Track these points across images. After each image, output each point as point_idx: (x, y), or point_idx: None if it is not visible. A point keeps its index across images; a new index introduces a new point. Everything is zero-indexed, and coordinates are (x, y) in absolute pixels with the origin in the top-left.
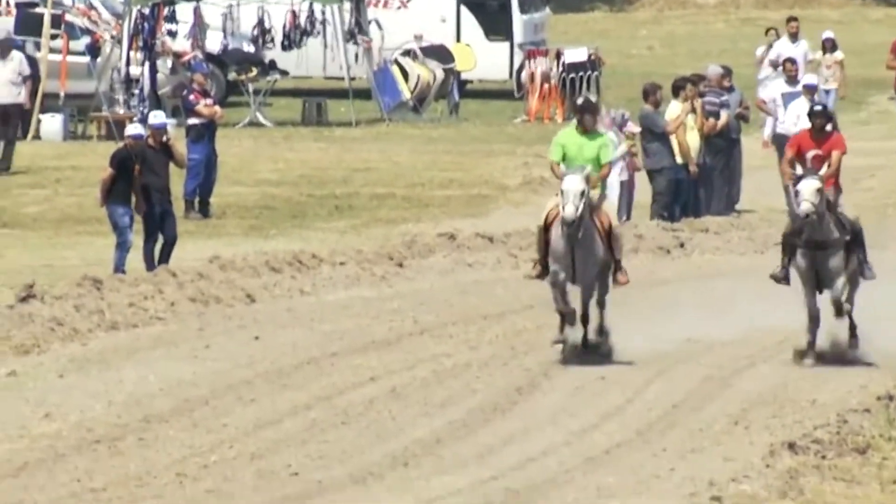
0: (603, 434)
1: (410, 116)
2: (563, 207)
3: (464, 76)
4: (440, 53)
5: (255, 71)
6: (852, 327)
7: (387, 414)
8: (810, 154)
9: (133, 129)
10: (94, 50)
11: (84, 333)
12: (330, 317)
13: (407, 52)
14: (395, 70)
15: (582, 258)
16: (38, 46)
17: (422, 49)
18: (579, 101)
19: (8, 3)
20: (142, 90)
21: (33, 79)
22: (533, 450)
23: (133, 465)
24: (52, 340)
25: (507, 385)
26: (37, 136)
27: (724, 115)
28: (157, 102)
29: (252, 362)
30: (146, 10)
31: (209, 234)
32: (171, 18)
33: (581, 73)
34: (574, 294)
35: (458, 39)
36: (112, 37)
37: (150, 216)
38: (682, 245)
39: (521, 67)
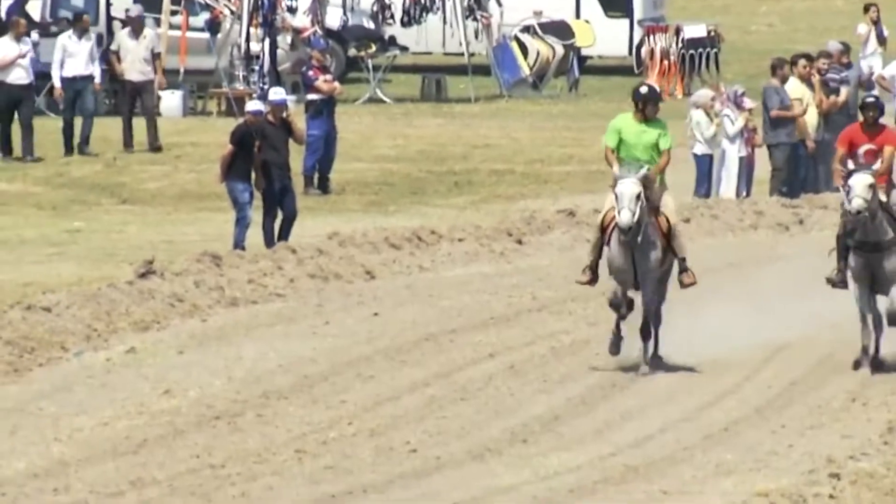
0: (721, 411)
1: (530, 93)
2: (619, 213)
3: (583, 52)
4: (560, 30)
5: (374, 47)
6: None
7: (505, 390)
8: (863, 149)
9: (253, 105)
10: (213, 26)
11: (204, 309)
12: (449, 293)
13: (526, 29)
14: (515, 46)
15: (642, 263)
16: (157, 22)
17: (541, 25)
18: (642, 89)
19: None
20: (262, 66)
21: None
22: (651, 427)
23: (252, 441)
24: (172, 317)
25: (626, 362)
26: (157, 113)
27: (843, 91)
28: (276, 78)
29: (371, 338)
30: None
31: (328, 210)
32: None
33: (700, 50)
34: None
35: (578, 16)
36: (232, 13)
37: (270, 192)
38: (801, 222)
39: (641, 43)
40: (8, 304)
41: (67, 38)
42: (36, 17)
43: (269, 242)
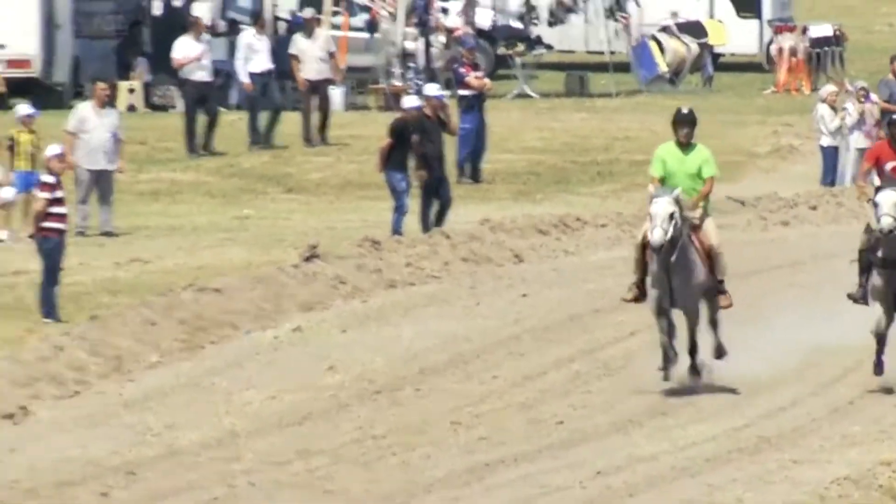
0: (846, 387)
1: (667, 88)
2: (651, 232)
3: (717, 50)
4: (694, 29)
5: (522, 46)
6: None
7: (645, 366)
8: (889, 165)
9: (410, 100)
10: (372, 26)
11: (364, 291)
12: (592, 276)
13: (664, 28)
14: (653, 45)
15: (679, 282)
16: (319, 22)
17: (677, 25)
18: (680, 113)
19: None
20: (417, 64)
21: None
22: (782, 401)
23: (411, 414)
24: (335, 298)
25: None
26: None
27: None
28: (431, 75)
29: (520, 318)
30: None
31: (480, 198)
32: None
33: (826, 48)
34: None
35: (711, 16)
36: (389, 14)
37: (427, 181)
38: None
39: (770, 42)
40: (182, 287)
41: (252, 37)
42: (204, 18)
43: (425, 228)
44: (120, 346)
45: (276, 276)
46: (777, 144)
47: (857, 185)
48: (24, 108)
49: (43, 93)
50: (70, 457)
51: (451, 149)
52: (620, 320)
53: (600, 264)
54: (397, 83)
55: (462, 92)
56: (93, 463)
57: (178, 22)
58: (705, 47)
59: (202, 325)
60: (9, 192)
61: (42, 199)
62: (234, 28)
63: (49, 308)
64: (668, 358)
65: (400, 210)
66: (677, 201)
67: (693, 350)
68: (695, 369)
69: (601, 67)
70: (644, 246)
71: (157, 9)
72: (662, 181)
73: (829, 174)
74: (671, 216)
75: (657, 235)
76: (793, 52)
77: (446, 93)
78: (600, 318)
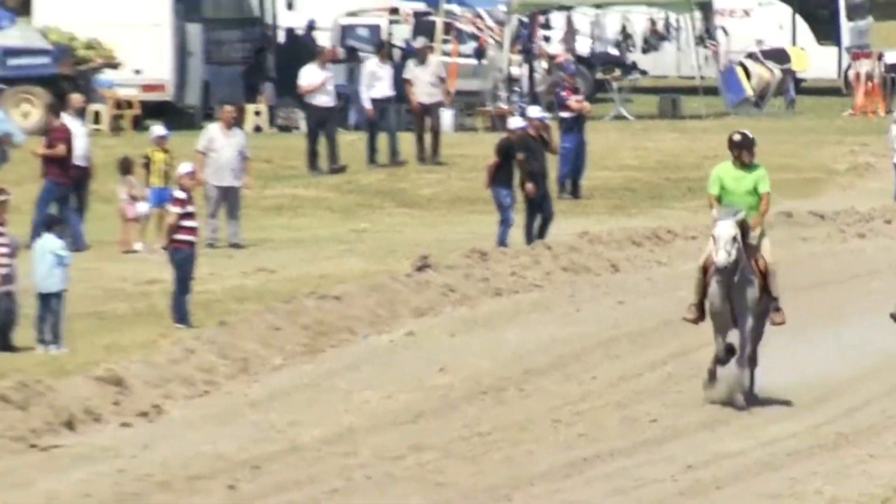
0: None
1: (752, 111)
2: (716, 254)
3: (799, 75)
4: (778, 56)
5: (618, 71)
6: None
7: (733, 368)
8: None
9: (515, 122)
10: (480, 53)
11: (472, 298)
12: (684, 285)
13: (750, 55)
14: (740, 70)
15: (739, 300)
16: (431, 49)
17: (762, 52)
18: (735, 137)
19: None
20: (521, 88)
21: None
22: (858, 399)
23: (515, 412)
24: (445, 304)
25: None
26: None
27: None
28: (534, 98)
29: (617, 324)
30: (525, 19)
31: (579, 212)
32: (546, 25)
33: None
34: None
35: (794, 43)
36: (495, 42)
37: (532, 197)
38: None
39: (848, 68)
40: (304, 294)
41: (375, 65)
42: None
43: (528, 240)
44: (246, 350)
45: (390, 285)
46: (854, 162)
47: None
48: (158, 128)
49: (175, 115)
50: (200, 452)
51: (552, 166)
52: (709, 326)
53: (691, 274)
54: (503, 106)
55: (563, 114)
56: (221, 458)
57: (300, 49)
58: (788, 73)
59: (323, 330)
60: (143, 207)
61: (174, 213)
62: (352, 55)
63: (181, 314)
64: (715, 377)
65: (505, 223)
66: (740, 224)
67: (752, 363)
68: (750, 382)
69: (692, 91)
70: (705, 268)
71: (280, 37)
72: (719, 199)
73: None
74: (734, 238)
75: (722, 257)
76: (869, 77)
77: (548, 115)
78: (690, 324)
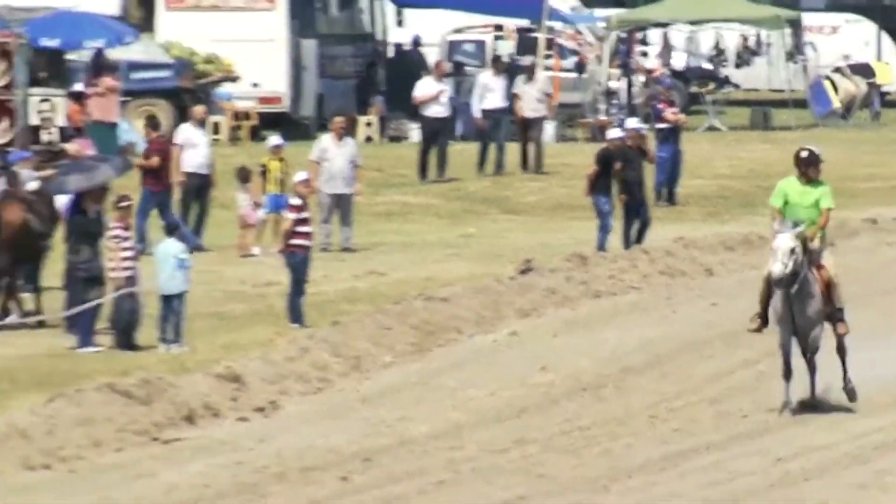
0: None
1: (840, 122)
2: (772, 265)
3: (883, 89)
4: (864, 70)
5: (712, 84)
6: None
7: (823, 365)
8: None
9: (614, 132)
10: (580, 67)
11: (573, 300)
12: None
13: (837, 69)
14: (827, 84)
15: (800, 312)
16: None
17: (849, 66)
18: (803, 154)
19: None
20: (620, 100)
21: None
22: None
23: (613, 408)
24: (547, 306)
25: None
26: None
27: None
28: (632, 110)
29: (710, 325)
30: (623, 35)
31: (674, 218)
32: (644, 41)
33: None
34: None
35: (879, 58)
36: (595, 57)
37: (629, 203)
38: None
39: None
40: (413, 296)
41: (489, 77)
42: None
43: (626, 245)
44: (358, 348)
45: (495, 287)
46: None
47: None
48: (274, 139)
49: (291, 126)
50: (314, 445)
51: (649, 175)
52: None
53: None
54: (602, 117)
55: (659, 125)
56: (334, 451)
57: (408, 64)
58: (873, 86)
59: (430, 330)
60: (261, 214)
61: (290, 219)
62: (459, 70)
63: (296, 315)
64: (788, 399)
65: (604, 229)
66: (799, 237)
67: (812, 371)
68: (812, 389)
69: (782, 104)
70: (768, 279)
71: (390, 52)
72: (782, 213)
73: None
74: (792, 251)
75: (777, 269)
76: None
77: (645, 126)
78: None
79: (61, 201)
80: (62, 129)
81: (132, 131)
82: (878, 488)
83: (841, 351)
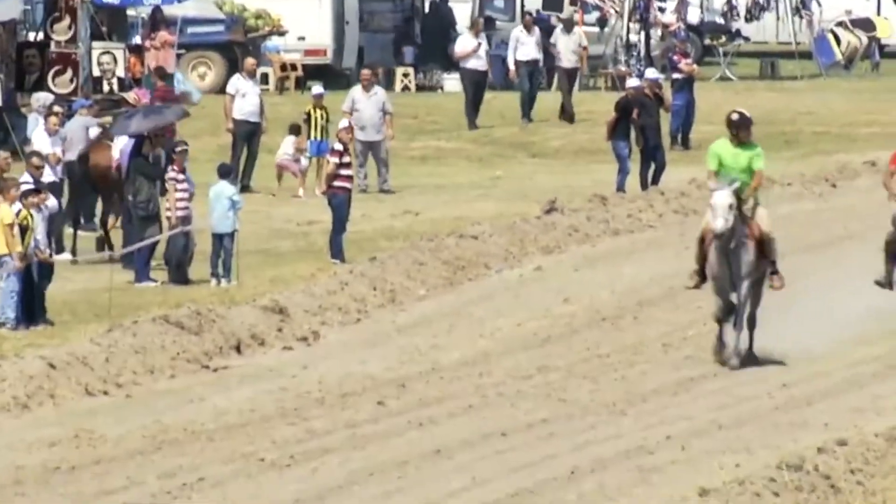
0: None
1: (842, 73)
2: (714, 221)
3: (883, 41)
4: (865, 24)
5: (724, 38)
6: None
7: (818, 302)
8: None
9: (633, 82)
10: (602, 21)
11: (593, 238)
12: (781, 225)
13: (840, 23)
14: (831, 37)
15: (736, 265)
16: (559, 20)
17: (851, 21)
18: (734, 116)
19: None
20: (638, 52)
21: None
22: None
23: (630, 337)
24: (570, 243)
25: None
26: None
27: None
28: (650, 61)
29: None
30: None
31: (688, 161)
32: None
33: None
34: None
35: (879, 13)
36: (615, 11)
37: (646, 148)
38: None
39: None
40: (445, 233)
41: (520, 32)
42: (464, 18)
43: (643, 186)
44: (394, 282)
45: (521, 226)
46: None
47: (885, 185)
48: (316, 88)
49: (334, 76)
50: (352, 372)
51: (665, 122)
52: (804, 259)
53: (786, 215)
54: (622, 68)
55: (675, 75)
56: (371, 377)
57: (441, 18)
58: (874, 39)
59: (461, 265)
60: (304, 162)
61: (333, 163)
62: (489, 24)
63: (336, 251)
64: (723, 342)
65: (623, 172)
66: (735, 193)
67: (751, 325)
68: (749, 343)
69: (789, 55)
70: (703, 237)
71: (425, 8)
72: (717, 174)
73: None
74: (730, 206)
75: (720, 224)
76: None
77: (662, 76)
78: (784, 260)
79: (123, 145)
80: (121, 80)
81: (186, 82)
82: (874, 411)
83: (751, 322)
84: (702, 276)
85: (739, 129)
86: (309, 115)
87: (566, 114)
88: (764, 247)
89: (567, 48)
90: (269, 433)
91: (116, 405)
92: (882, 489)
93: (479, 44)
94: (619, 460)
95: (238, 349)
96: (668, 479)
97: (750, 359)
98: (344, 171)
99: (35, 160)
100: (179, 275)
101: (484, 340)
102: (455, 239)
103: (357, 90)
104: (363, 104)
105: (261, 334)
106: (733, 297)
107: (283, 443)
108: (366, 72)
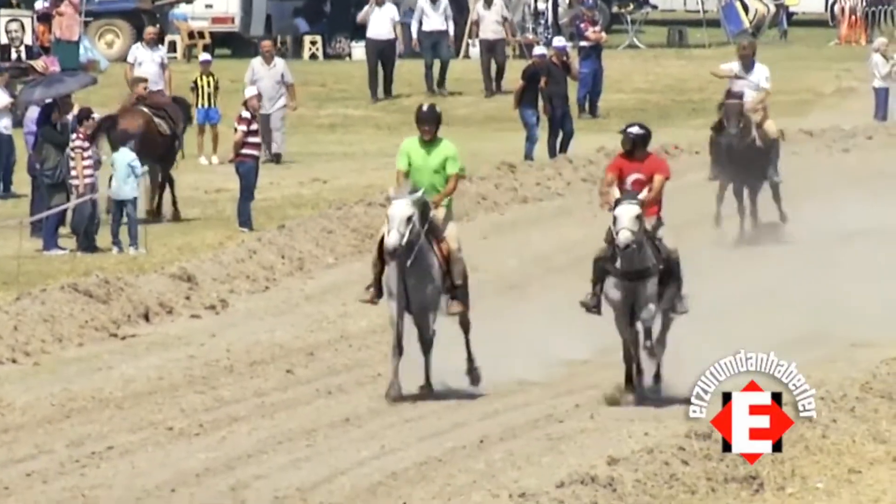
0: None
1: (750, 40)
2: (388, 234)
3: (791, 9)
4: None
5: (632, 6)
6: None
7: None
8: (631, 178)
9: (539, 50)
10: None
11: (502, 205)
12: (689, 192)
13: None
14: (738, 5)
15: (414, 286)
16: None
17: None
18: (424, 108)
19: None
20: (546, 20)
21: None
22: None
23: (538, 304)
24: (478, 211)
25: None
26: (467, 56)
27: None
28: (557, 30)
29: None
30: None
31: (596, 129)
32: None
33: (881, 7)
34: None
35: None
36: None
37: (553, 116)
38: None
39: (834, 3)
40: (354, 202)
41: (426, 2)
42: None
43: (551, 154)
44: (302, 250)
45: None
46: (839, 86)
47: (601, 192)
48: (203, 56)
49: (242, 44)
50: (260, 340)
51: (572, 90)
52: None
53: (694, 184)
54: (530, 36)
55: (582, 43)
56: (279, 345)
57: None
58: (781, 7)
59: (370, 233)
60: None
61: (241, 130)
62: None
63: (245, 219)
64: (396, 374)
65: (531, 140)
66: (417, 203)
67: (427, 349)
68: (427, 379)
69: (696, 23)
70: (380, 249)
71: None
72: (407, 175)
73: (881, 110)
74: (409, 219)
75: (393, 239)
76: (853, 11)
77: (569, 44)
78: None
79: (31, 113)
80: (29, 48)
81: (93, 49)
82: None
83: (464, 327)
84: (378, 290)
85: (423, 125)
86: (196, 83)
87: (491, 87)
88: (450, 267)
89: (489, 20)
90: (178, 401)
91: (24, 373)
92: (790, 458)
93: (383, 13)
94: (528, 429)
95: (146, 317)
96: (578, 448)
97: (474, 376)
98: (251, 139)
99: None
100: (87, 243)
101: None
102: (363, 207)
103: (257, 62)
104: (262, 75)
105: (169, 302)
106: (422, 322)
107: (192, 411)
108: (266, 43)
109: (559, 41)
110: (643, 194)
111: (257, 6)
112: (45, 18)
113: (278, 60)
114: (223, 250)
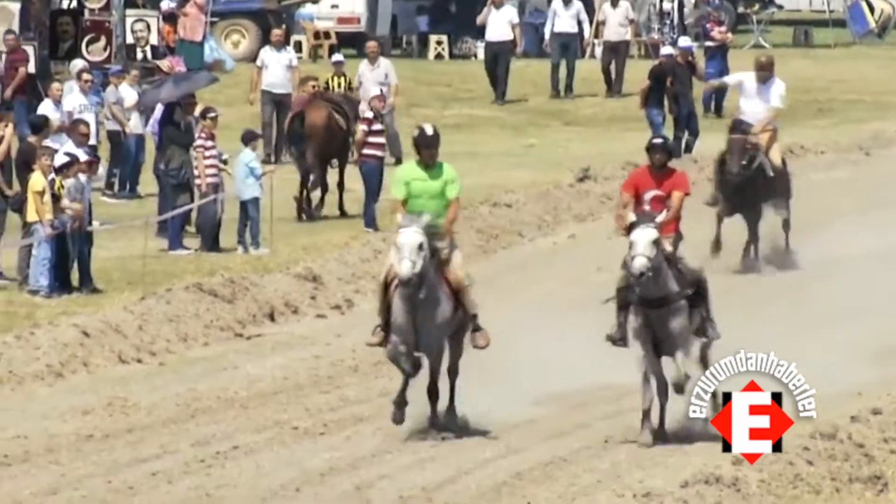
0: None
1: (875, 41)
2: (400, 264)
3: None
4: None
5: (757, 6)
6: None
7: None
8: (649, 195)
9: (666, 50)
10: None
11: None
12: (815, 191)
13: None
14: (864, 5)
15: (425, 322)
16: None
17: None
18: (415, 133)
19: None
20: (672, 21)
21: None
22: None
23: None
24: (603, 211)
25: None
26: (592, 56)
27: None
28: (683, 29)
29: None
30: None
31: (722, 129)
32: None
33: None
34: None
35: None
36: None
37: (679, 116)
38: None
39: None
40: (478, 202)
41: (559, 4)
42: None
43: (677, 154)
44: None
45: (555, 193)
46: None
47: (617, 215)
48: (336, 56)
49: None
50: None
51: (698, 90)
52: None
53: (820, 182)
54: (656, 36)
55: (708, 43)
56: None
57: None
58: None
59: (494, 234)
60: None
61: (362, 130)
62: None
63: (370, 219)
64: (401, 403)
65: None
66: (426, 231)
67: (432, 394)
68: (434, 416)
69: (822, 23)
70: (387, 285)
71: None
72: (405, 203)
73: None
74: (420, 247)
75: (406, 268)
76: None
77: (695, 44)
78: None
79: (157, 113)
80: (155, 48)
81: (219, 49)
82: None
83: (452, 373)
84: (387, 329)
85: (423, 149)
86: (328, 83)
87: (613, 89)
88: (460, 298)
89: (613, 21)
90: (303, 401)
91: (150, 373)
92: None
93: (502, 15)
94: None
95: (271, 317)
96: (702, 448)
97: (449, 413)
98: (374, 139)
99: (82, 128)
100: (211, 243)
101: (515, 309)
102: (488, 207)
103: (364, 64)
104: (366, 77)
105: (294, 302)
106: (423, 356)
107: (317, 411)
108: (371, 44)
109: (685, 41)
110: (661, 216)
111: (383, 6)
112: (170, 18)
113: (383, 60)
114: (348, 250)
